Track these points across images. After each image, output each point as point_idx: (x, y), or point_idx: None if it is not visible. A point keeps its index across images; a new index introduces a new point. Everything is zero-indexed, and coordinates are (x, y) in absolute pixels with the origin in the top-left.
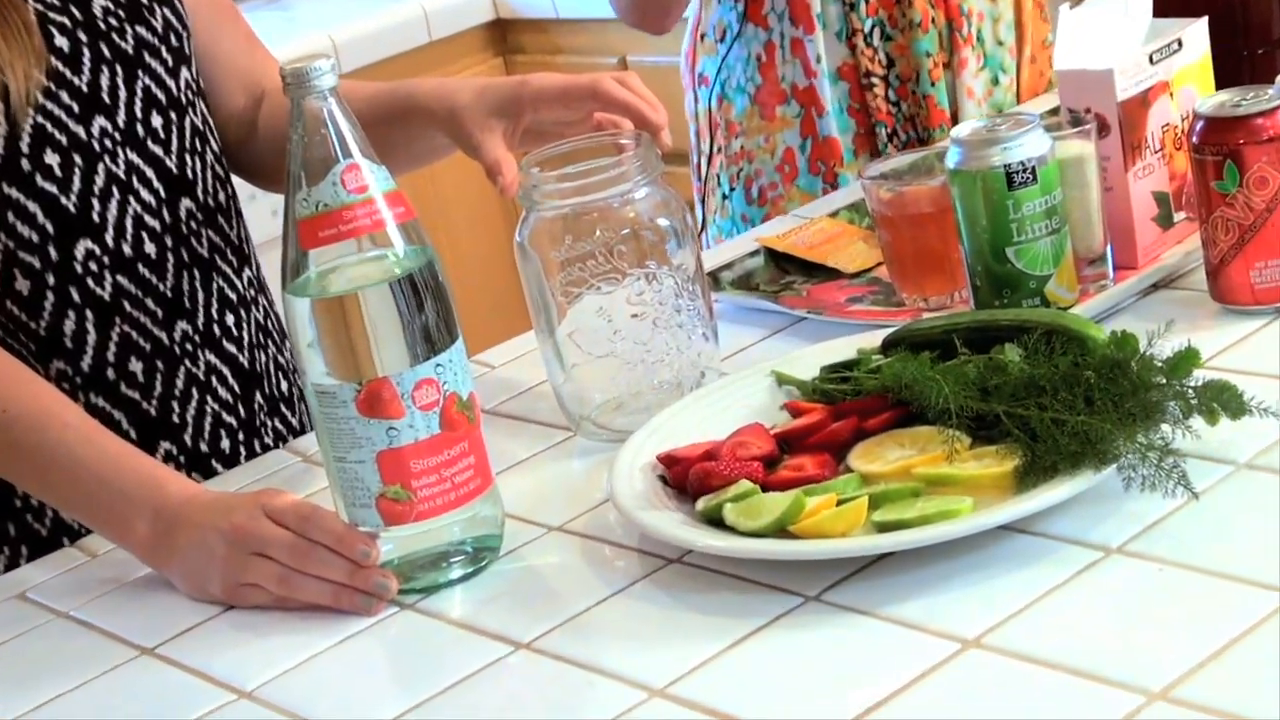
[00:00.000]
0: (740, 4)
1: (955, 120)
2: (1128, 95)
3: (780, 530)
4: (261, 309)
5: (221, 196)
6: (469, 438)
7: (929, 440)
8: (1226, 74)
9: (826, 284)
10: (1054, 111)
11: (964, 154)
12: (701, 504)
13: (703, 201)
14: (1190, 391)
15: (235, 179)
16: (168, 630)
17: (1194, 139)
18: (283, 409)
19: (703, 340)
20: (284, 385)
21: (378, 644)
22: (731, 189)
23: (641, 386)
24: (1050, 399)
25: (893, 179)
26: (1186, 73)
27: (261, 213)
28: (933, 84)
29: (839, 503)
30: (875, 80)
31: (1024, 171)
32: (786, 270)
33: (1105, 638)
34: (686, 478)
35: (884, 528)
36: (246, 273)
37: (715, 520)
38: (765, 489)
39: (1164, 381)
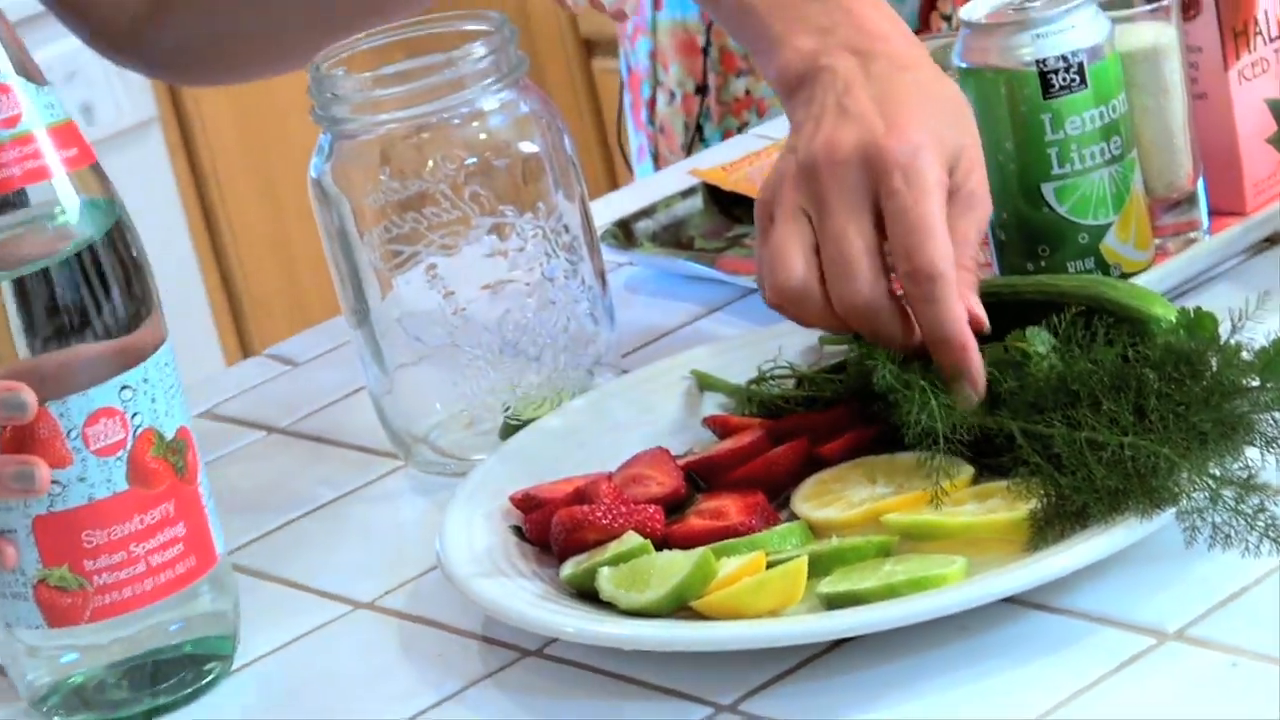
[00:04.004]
0: None
1: None
2: None
3: (680, 607)
4: None
5: None
6: (176, 496)
7: (911, 473)
8: None
9: None
10: None
11: (980, 45)
12: (569, 568)
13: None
14: None
15: None
16: None
17: None
18: None
19: (590, 323)
20: None
21: None
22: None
23: (499, 393)
24: (1086, 411)
25: None
26: None
27: None
28: None
29: (769, 565)
30: None
31: (1068, 70)
32: (737, 218)
33: None
34: (550, 529)
35: (834, 603)
36: None
37: (589, 593)
38: (663, 546)
39: (1254, 384)
